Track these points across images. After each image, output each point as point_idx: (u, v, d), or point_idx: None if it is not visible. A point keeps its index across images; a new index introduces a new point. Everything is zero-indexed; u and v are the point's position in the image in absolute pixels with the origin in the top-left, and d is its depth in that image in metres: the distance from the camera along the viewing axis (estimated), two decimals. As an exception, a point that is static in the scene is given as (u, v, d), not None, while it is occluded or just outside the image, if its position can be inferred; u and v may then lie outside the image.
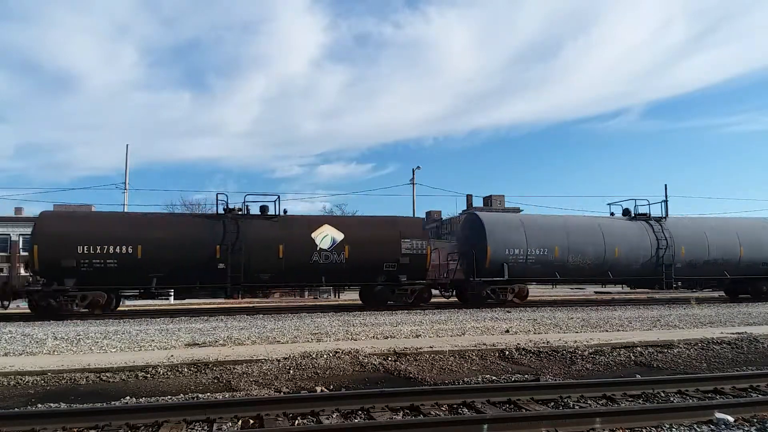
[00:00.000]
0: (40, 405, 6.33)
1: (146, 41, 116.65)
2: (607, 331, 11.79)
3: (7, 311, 20.57)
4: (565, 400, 6.26)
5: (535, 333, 11.47)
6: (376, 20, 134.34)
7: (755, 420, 5.39)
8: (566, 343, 9.74)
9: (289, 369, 8.06)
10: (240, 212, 18.86)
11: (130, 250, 17.09)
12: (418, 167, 38.39)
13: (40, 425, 5.13)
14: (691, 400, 6.37)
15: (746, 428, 5.19)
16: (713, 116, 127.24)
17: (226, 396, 6.77)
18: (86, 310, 17.11)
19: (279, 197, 19.22)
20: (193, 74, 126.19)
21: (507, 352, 9.16)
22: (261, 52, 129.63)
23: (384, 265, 19.24)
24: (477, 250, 20.15)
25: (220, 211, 18.74)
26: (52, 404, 6.35)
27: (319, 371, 8.04)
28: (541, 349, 9.33)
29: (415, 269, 19.60)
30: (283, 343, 10.14)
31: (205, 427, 5.34)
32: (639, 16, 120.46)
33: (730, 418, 5.35)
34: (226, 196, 19.75)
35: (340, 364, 8.33)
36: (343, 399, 6.01)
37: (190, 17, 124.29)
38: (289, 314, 16.97)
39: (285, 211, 19.46)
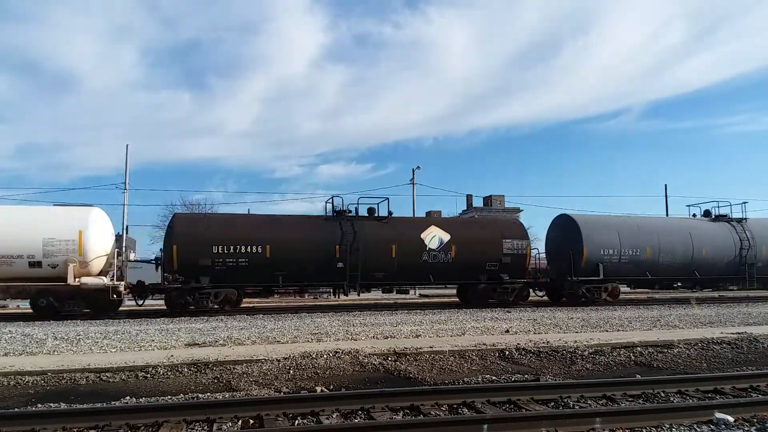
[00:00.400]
0: (40, 405, 6.33)
1: (146, 41, 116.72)
2: (607, 331, 11.79)
3: (7, 311, 20.57)
4: (565, 400, 6.26)
5: (535, 333, 11.47)
6: (376, 20, 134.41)
7: (755, 420, 5.39)
8: (566, 343, 9.74)
9: (289, 369, 8.06)
10: (349, 213, 19.84)
11: (259, 250, 18.07)
12: (418, 167, 38.26)
13: (40, 425, 5.13)
14: (691, 400, 6.36)
15: (746, 428, 5.19)
16: (713, 116, 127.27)
17: (226, 396, 6.77)
18: (217, 306, 17.98)
19: (388, 199, 20.27)
20: (193, 74, 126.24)
21: (507, 352, 9.16)
22: (261, 53, 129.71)
23: (487, 264, 20.17)
24: (573, 251, 20.93)
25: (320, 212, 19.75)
26: (52, 404, 6.35)
27: (319, 371, 8.05)
28: (541, 349, 9.33)
29: (516, 268, 20.58)
30: (283, 343, 10.14)
31: (205, 427, 5.34)
32: (639, 16, 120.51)
33: (730, 418, 5.35)
34: (342, 198, 20.61)
35: (340, 364, 8.33)
36: (343, 399, 6.02)
37: (190, 17, 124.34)
38: (289, 314, 16.97)
39: (390, 213, 20.40)
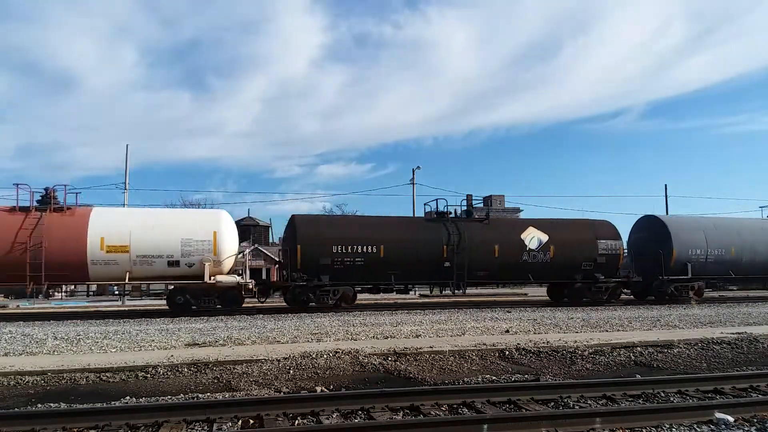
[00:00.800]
0: (40, 405, 6.33)
1: (146, 41, 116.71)
2: (607, 331, 11.79)
3: (7, 311, 20.58)
4: (565, 400, 6.26)
5: (535, 333, 11.47)
6: (376, 20, 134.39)
7: (755, 420, 5.39)
8: (566, 343, 9.74)
9: (289, 369, 8.06)
10: (450, 215, 20.90)
11: (374, 250, 19.09)
12: (418, 167, 38.53)
13: (40, 425, 5.13)
14: (691, 400, 6.36)
15: (746, 428, 5.18)
16: (713, 116, 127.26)
17: (226, 396, 6.77)
18: (334, 302, 18.89)
19: (489, 201, 21.74)
20: (193, 74, 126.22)
21: (507, 352, 9.16)
22: (261, 53, 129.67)
23: (582, 264, 21.06)
24: (663, 251, 21.87)
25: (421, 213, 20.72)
26: (52, 404, 6.35)
27: (319, 371, 8.04)
28: (541, 349, 9.33)
29: (610, 268, 21.43)
30: (283, 343, 10.14)
31: (205, 427, 5.34)
32: (639, 16, 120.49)
33: (730, 418, 5.35)
34: (446, 200, 21.78)
35: (340, 364, 8.33)
36: (343, 399, 6.01)
37: (190, 17, 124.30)
38: (289, 314, 16.97)
39: (487, 215, 21.65)
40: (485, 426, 4.99)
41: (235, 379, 7.62)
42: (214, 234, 17.69)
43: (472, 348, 9.20)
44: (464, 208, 22.10)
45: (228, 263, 18.10)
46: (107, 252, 16.81)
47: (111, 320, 15.63)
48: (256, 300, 19.49)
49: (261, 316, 16.56)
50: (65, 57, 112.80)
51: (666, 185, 67.89)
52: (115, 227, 17.12)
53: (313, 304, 18.59)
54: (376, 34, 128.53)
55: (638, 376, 7.69)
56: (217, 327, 13.10)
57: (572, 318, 14.84)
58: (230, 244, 18.13)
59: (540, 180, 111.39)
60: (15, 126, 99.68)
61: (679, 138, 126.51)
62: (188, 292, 17.60)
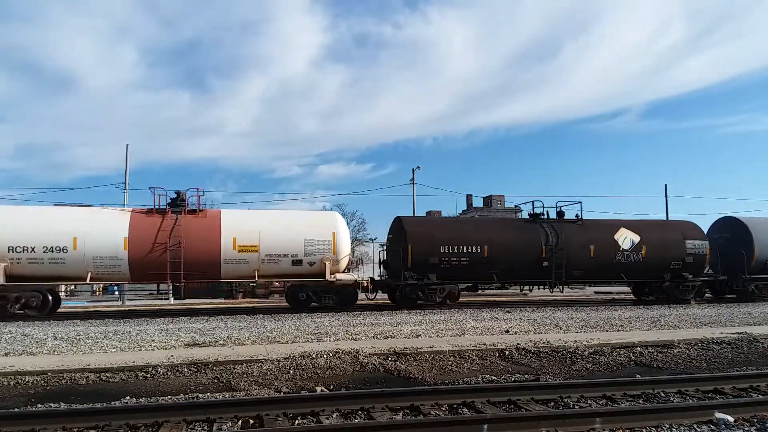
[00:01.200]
0: (40, 405, 6.33)
1: (146, 41, 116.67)
2: (607, 331, 11.79)
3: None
4: (565, 400, 6.26)
5: (535, 333, 11.47)
6: (376, 20, 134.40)
7: (755, 420, 5.39)
8: (566, 343, 9.74)
9: (289, 369, 8.06)
10: (542, 216, 21.75)
11: (478, 250, 19.81)
12: (418, 167, 38.35)
13: (40, 425, 5.13)
14: (691, 400, 6.36)
15: (746, 428, 5.19)
16: (713, 116, 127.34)
17: (226, 396, 6.77)
18: (440, 300, 19.56)
19: (581, 203, 22.50)
20: (193, 74, 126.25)
21: (507, 352, 9.16)
22: (261, 53, 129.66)
23: (671, 263, 21.73)
24: (745, 251, 22.67)
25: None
26: (52, 404, 6.35)
27: (319, 371, 8.04)
28: (541, 349, 9.33)
29: (696, 267, 22.17)
30: (283, 343, 10.13)
31: (205, 427, 5.34)
32: (639, 16, 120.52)
33: (730, 418, 5.35)
34: (542, 201, 22.84)
35: (340, 364, 8.33)
36: (343, 399, 6.01)
37: (190, 17, 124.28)
38: (289, 314, 16.97)
39: (578, 216, 22.21)
40: (485, 426, 4.99)
41: (235, 379, 7.62)
42: (333, 234, 18.76)
43: (472, 348, 9.20)
44: (557, 210, 22.77)
45: (344, 262, 19.19)
46: (239, 252, 17.86)
47: (111, 320, 15.62)
48: (365, 297, 20.73)
49: (261, 316, 16.56)
50: (65, 57, 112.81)
51: (666, 185, 67.87)
52: (245, 228, 18.13)
53: (421, 301, 19.38)
54: (376, 34, 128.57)
55: (638, 376, 7.69)
56: (217, 327, 13.10)
57: (572, 318, 14.84)
58: (346, 244, 19.27)
59: (540, 180, 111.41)
60: (15, 126, 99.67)
61: (679, 138, 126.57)
62: (309, 289, 18.58)
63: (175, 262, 17.09)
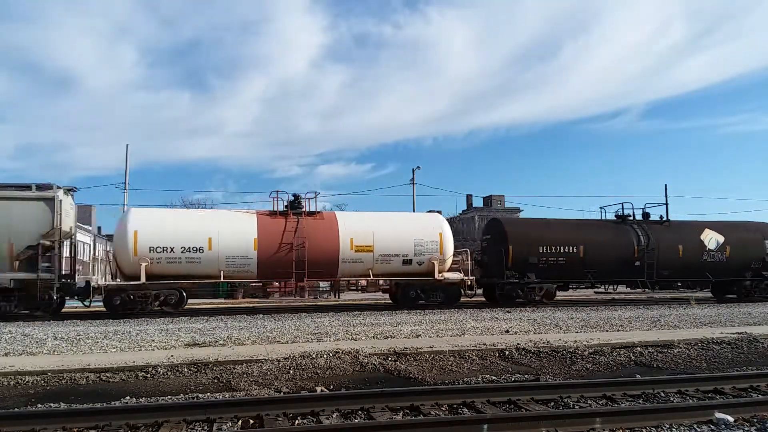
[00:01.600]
0: (40, 405, 6.33)
1: (146, 41, 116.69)
2: (607, 331, 11.79)
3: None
4: (565, 400, 6.26)
5: (535, 333, 11.47)
6: (376, 20, 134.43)
7: (755, 420, 5.39)
8: (566, 343, 9.74)
9: (289, 369, 8.06)
10: (630, 218, 22.78)
11: (574, 250, 20.92)
12: (418, 167, 38.40)
13: (40, 425, 5.13)
14: (691, 400, 6.36)
15: (746, 428, 5.18)
16: (713, 116, 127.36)
17: (226, 396, 6.77)
18: (539, 299, 20.61)
19: (667, 204, 24.11)
20: (193, 74, 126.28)
21: (507, 352, 9.16)
22: (261, 53, 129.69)
23: (752, 263, 22.78)
24: None
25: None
26: (52, 404, 6.35)
27: (319, 371, 8.04)
28: (541, 349, 9.33)
29: None
30: (283, 343, 10.13)
31: (205, 427, 5.34)
32: (639, 16, 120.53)
33: (730, 418, 5.35)
34: (632, 203, 24.24)
35: (340, 364, 8.33)
36: (343, 399, 6.01)
37: (190, 17, 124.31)
38: (289, 314, 16.97)
39: (661, 217, 23.38)
40: (485, 426, 4.99)
41: (235, 379, 7.62)
42: (439, 235, 19.69)
43: (472, 348, 9.19)
44: (643, 211, 23.66)
45: (449, 262, 19.97)
46: (356, 251, 18.85)
47: (111, 320, 15.62)
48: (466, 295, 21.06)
49: (261, 316, 16.56)
50: (65, 57, 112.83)
51: (666, 185, 67.94)
52: (360, 229, 19.08)
53: (520, 300, 20.35)
54: (376, 34, 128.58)
55: (638, 376, 7.69)
56: (217, 327, 13.10)
57: (572, 318, 14.84)
58: (450, 244, 20.06)
59: (540, 180, 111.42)
60: (15, 126, 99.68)
61: (679, 138, 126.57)
62: (418, 287, 19.41)
63: (299, 262, 18.14)
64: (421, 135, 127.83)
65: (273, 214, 18.97)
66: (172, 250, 17.25)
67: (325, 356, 8.54)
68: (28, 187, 16.14)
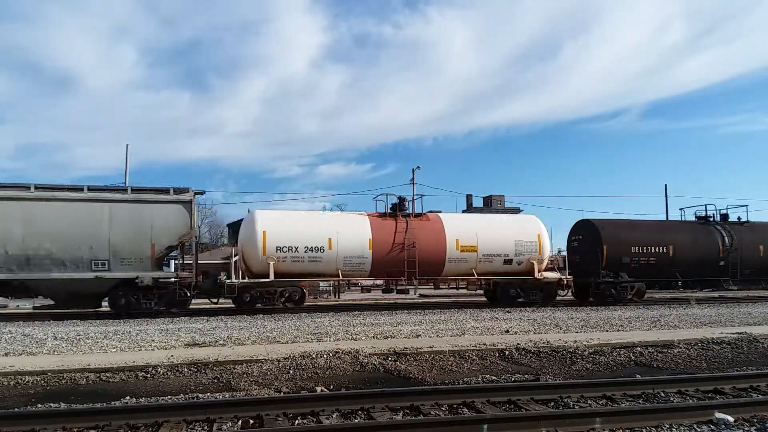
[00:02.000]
0: (40, 405, 6.33)
1: (146, 41, 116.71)
2: (607, 331, 11.79)
3: (7, 311, 20.59)
4: (565, 400, 6.26)
5: (535, 333, 11.47)
6: (376, 20, 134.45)
7: (755, 420, 5.39)
8: (566, 343, 9.74)
9: (289, 369, 8.06)
10: (711, 219, 23.75)
11: (664, 250, 21.90)
12: (418, 167, 38.39)
13: (40, 425, 5.13)
14: (691, 400, 6.36)
15: (746, 428, 5.19)
16: (713, 116, 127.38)
17: (226, 396, 6.77)
18: (630, 297, 21.33)
19: (747, 206, 24.44)
20: (193, 74, 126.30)
21: (507, 352, 9.16)
22: (261, 53, 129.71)
23: None
24: None
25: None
26: (52, 404, 6.35)
27: (319, 371, 8.04)
28: (541, 349, 9.33)
29: None
30: (283, 343, 10.13)
31: (205, 427, 5.34)
32: (639, 16, 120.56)
33: (730, 418, 5.35)
34: (714, 205, 24.48)
35: (340, 364, 8.33)
36: (343, 399, 6.01)
37: (190, 17, 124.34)
38: (289, 314, 16.96)
39: (739, 218, 24.11)
40: (485, 426, 4.99)
41: (235, 379, 7.62)
42: (538, 236, 20.51)
43: (472, 348, 9.19)
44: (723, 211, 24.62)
45: (546, 262, 20.73)
46: (461, 251, 19.64)
47: (111, 320, 15.61)
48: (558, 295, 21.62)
49: (261, 316, 16.55)
50: (65, 57, 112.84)
51: (666, 185, 67.94)
52: (464, 230, 19.90)
53: (612, 298, 21.03)
54: (376, 34, 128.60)
55: (638, 376, 7.69)
56: (217, 327, 13.09)
57: (572, 318, 14.84)
58: (547, 245, 20.87)
59: (540, 180, 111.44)
60: (15, 126, 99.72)
61: (679, 138, 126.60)
62: (517, 286, 20.23)
63: (410, 261, 18.99)
64: (421, 135, 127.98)
65: (383, 215, 19.87)
66: (296, 249, 18.17)
67: (325, 356, 8.54)
68: (166, 191, 16.97)
